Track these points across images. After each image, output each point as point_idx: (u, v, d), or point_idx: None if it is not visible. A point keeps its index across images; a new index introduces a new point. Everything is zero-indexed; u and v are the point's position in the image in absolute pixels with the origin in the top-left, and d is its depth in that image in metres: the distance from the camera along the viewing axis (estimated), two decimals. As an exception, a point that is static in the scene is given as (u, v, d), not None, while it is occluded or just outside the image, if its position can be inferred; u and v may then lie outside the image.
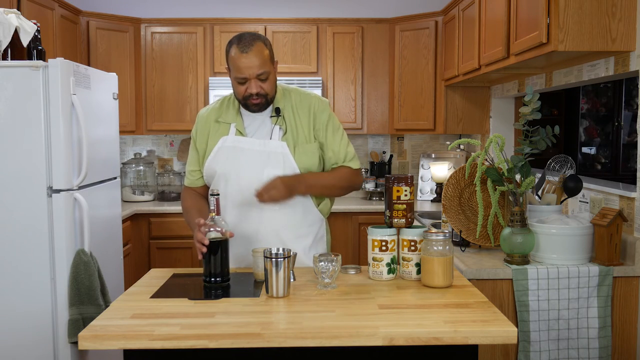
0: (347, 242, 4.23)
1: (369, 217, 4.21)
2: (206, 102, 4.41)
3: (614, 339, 2.31)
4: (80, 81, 2.82)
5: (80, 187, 2.80)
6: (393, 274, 1.99)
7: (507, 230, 2.29)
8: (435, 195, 4.49)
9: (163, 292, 1.89)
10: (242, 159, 2.18)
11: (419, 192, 4.62)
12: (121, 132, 4.03)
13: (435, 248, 1.89)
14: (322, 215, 2.32)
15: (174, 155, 4.82)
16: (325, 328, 1.56)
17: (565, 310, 2.24)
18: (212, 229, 1.92)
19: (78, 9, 4.08)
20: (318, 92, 4.32)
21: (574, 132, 6.41)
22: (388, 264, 1.98)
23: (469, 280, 2.19)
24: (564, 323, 2.24)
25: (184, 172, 3.39)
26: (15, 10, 2.74)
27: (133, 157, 4.65)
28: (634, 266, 2.30)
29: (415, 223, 3.74)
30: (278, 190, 2.06)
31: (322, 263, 1.88)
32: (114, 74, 3.43)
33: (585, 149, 6.47)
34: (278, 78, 2.27)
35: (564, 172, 2.70)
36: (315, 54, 4.43)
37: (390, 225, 2.02)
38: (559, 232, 2.29)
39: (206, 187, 2.34)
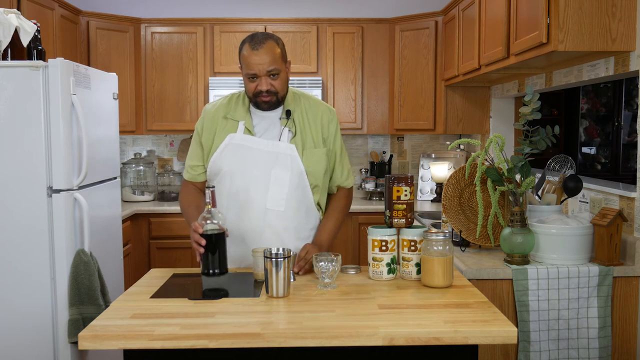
0: (347, 242, 4.23)
1: (369, 217, 4.22)
2: (206, 102, 4.40)
3: (614, 339, 2.31)
4: (80, 81, 2.82)
5: (80, 187, 2.80)
6: (393, 274, 1.99)
7: (507, 230, 2.29)
8: (435, 195, 4.49)
9: (163, 292, 1.89)
10: (250, 158, 2.18)
11: (419, 192, 4.62)
12: (121, 132, 4.03)
13: (435, 248, 1.89)
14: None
15: (174, 155, 4.82)
16: (325, 328, 1.56)
17: (565, 310, 2.24)
18: (208, 222, 1.93)
19: (78, 9, 4.08)
20: (318, 92, 4.32)
21: (574, 132, 6.41)
22: (388, 264, 1.98)
23: (469, 280, 2.19)
24: (564, 323, 2.24)
25: (182, 180, 3.39)
26: (15, 10, 2.74)
27: (133, 157, 4.65)
28: (634, 266, 2.30)
29: (415, 223, 3.74)
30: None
31: (322, 263, 1.88)
32: (114, 74, 3.43)
33: (585, 149, 6.47)
34: None
35: (564, 172, 2.70)
36: (315, 54, 4.43)
37: (390, 225, 2.02)
38: (559, 232, 2.29)
39: (206, 183, 2.34)
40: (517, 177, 2.43)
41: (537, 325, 2.23)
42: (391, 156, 4.73)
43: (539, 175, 2.78)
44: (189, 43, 4.41)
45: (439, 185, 4.41)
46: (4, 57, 2.71)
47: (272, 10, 4.71)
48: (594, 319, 2.25)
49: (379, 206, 4.24)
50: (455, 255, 2.44)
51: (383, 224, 2.05)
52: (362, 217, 4.22)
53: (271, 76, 2.11)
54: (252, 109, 2.23)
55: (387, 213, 2.04)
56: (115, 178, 3.37)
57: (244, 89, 2.22)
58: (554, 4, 2.30)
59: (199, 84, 4.42)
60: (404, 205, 2.02)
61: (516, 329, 1.60)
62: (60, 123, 2.65)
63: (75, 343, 2.65)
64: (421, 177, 4.67)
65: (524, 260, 2.29)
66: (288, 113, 2.21)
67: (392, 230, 2.00)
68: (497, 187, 2.41)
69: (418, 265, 1.97)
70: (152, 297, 1.84)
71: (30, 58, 2.80)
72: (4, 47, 2.68)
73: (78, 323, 2.66)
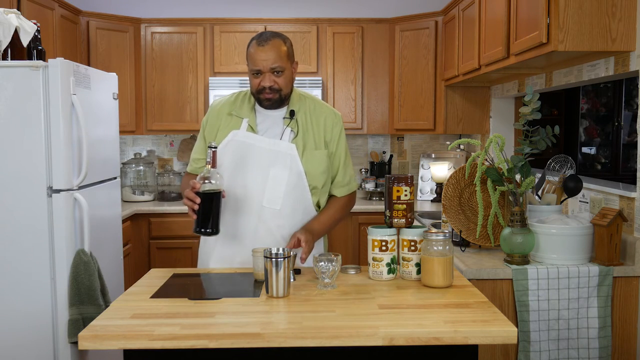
0: (347, 242, 4.23)
1: (369, 217, 4.22)
2: (206, 102, 4.41)
3: (614, 339, 2.31)
4: (80, 81, 2.82)
5: (80, 187, 2.80)
6: (393, 274, 1.99)
7: (507, 230, 2.29)
8: (435, 195, 4.49)
9: (163, 292, 1.89)
10: (250, 155, 2.19)
11: (419, 192, 4.62)
12: (121, 132, 4.02)
13: (435, 248, 1.89)
14: None
15: (174, 155, 4.82)
16: (325, 328, 1.56)
17: (565, 310, 2.24)
18: (206, 181, 1.93)
19: (78, 9, 4.08)
20: (318, 92, 4.33)
21: (574, 132, 6.41)
22: (388, 264, 1.98)
23: (469, 280, 2.19)
24: (564, 323, 2.24)
25: (184, 172, 3.39)
26: (15, 10, 2.74)
27: (133, 157, 4.64)
28: (634, 266, 2.30)
29: (415, 223, 3.74)
30: (309, 245, 2.11)
31: (322, 263, 1.88)
32: (114, 74, 3.43)
33: (585, 149, 6.47)
34: None
35: (564, 172, 2.70)
36: (315, 54, 4.43)
37: (390, 225, 2.02)
38: (559, 232, 2.29)
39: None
40: (517, 177, 2.43)
41: (537, 325, 2.23)
42: (391, 156, 4.73)
43: (539, 175, 2.78)
44: (189, 43, 4.41)
45: (439, 185, 4.41)
46: (4, 57, 2.71)
47: (272, 10, 4.71)
48: (594, 319, 2.25)
49: (379, 206, 4.24)
50: (455, 255, 2.44)
51: (383, 224, 2.05)
52: (362, 217, 4.22)
53: (275, 73, 2.12)
54: (257, 107, 2.24)
55: (387, 213, 2.04)
56: (115, 178, 3.37)
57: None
58: (554, 4, 2.30)
59: (199, 84, 4.42)
60: (404, 205, 2.02)
61: (516, 329, 1.60)
62: (60, 123, 2.65)
63: (75, 343, 2.65)
64: (421, 177, 4.67)
65: (524, 260, 2.29)
66: (292, 113, 2.21)
67: (392, 230, 2.00)
68: (497, 187, 2.41)
69: (418, 265, 1.97)
70: (152, 297, 1.84)
71: (30, 58, 2.80)
72: (4, 47, 2.68)
73: (78, 323, 2.66)
